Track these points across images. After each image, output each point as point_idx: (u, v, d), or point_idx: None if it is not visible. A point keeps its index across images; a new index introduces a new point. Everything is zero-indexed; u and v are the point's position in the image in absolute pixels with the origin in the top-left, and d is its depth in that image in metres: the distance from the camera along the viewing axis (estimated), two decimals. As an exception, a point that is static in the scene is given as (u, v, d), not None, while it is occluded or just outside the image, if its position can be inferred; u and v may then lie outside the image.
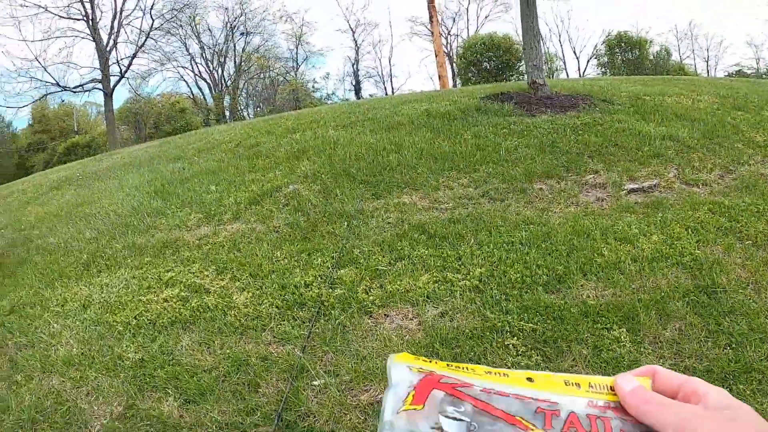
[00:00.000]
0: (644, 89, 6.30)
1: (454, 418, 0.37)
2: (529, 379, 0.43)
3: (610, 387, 0.44)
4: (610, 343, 1.89)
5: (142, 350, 2.12)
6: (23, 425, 1.96)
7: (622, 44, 25.09)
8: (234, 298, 2.37)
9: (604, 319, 1.99)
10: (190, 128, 17.23)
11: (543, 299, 2.11)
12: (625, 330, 1.94)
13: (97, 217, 4.12)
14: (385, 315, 2.13)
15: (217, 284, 2.54)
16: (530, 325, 1.99)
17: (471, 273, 2.35)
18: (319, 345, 2.00)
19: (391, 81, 29.59)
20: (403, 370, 0.41)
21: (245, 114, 26.29)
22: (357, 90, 28.54)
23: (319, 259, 2.63)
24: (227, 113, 25.11)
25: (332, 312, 2.17)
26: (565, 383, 0.44)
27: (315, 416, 1.73)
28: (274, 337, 2.08)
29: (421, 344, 1.94)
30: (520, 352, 1.89)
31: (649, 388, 0.43)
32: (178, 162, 5.48)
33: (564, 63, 29.32)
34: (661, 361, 1.83)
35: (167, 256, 2.99)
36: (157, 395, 1.93)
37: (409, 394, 0.38)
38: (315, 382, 1.83)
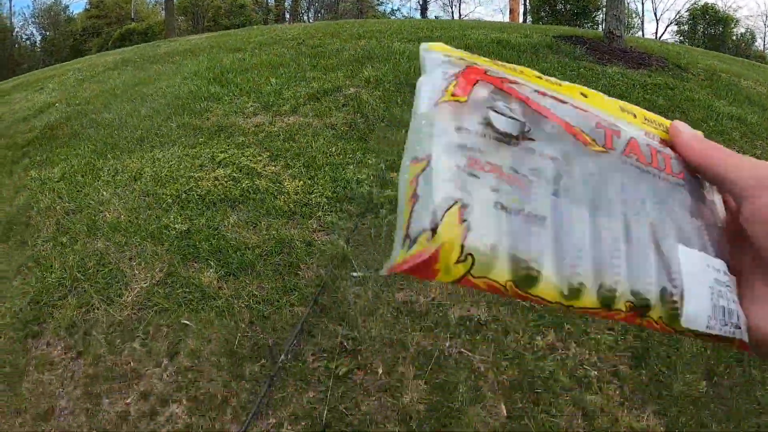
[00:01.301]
0: (721, 66, 6.13)
1: (505, 115, 0.30)
2: (583, 95, 0.37)
3: (666, 127, 0.38)
4: None
5: (189, 222, 2.22)
6: (64, 283, 2.11)
7: (707, 17, 23.64)
8: (285, 184, 2.43)
9: None
10: (248, 25, 17.10)
11: None
12: None
13: (153, 97, 4.22)
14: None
15: (269, 169, 2.60)
16: None
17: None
18: (363, 240, 2.04)
19: (459, 6, 28.48)
20: (440, 58, 0.33)
21: (305, 18, 25.88)
22: (423, 9, 27.73)
23: (373, 160, 2.64)
24: (287, 15, 24.75)
25: (380, 211, 2.20)
26: (621, 109, 0.37)
27: (349, 305, 1.80)
28: (320, 225, 2.13)
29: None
30: None
31: None
32: (238, 53, 5.50)
33: (642, 23, 27.79)
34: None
35: (221, 138, 3.06)
36: (198, 265, 2.03)
37: (450, 83, 0.31)
38: (354, 274, 1.89)
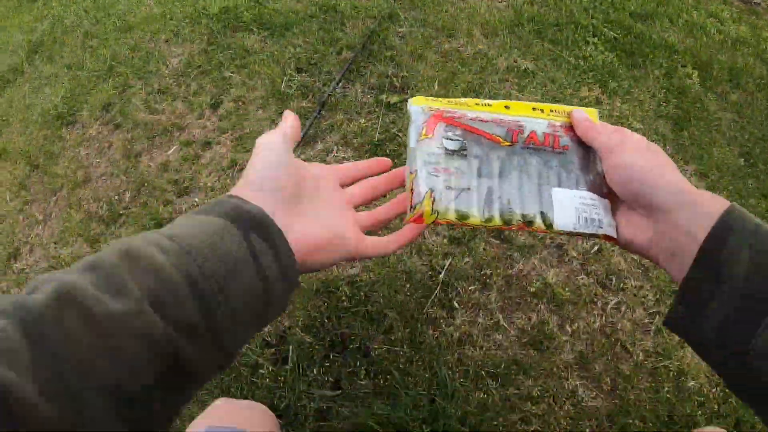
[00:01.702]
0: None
1: (452, 139, 0.56)
2: (506, 107, 0.60)
3: (568, 113, 0.60)
4: (681, 76, 1.90)
5: (227, 0, 2.17)
6: (97, 74, 2.09)
7: None
8: None
9: (680, 56, 1.98)
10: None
11: (628, 21, 2.07)
12: (697, 72, 1.93)
13: None
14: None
15: None
16: (612, 33, 1.97)
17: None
18: (410, 3, 2.02)
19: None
20: (419, 111, 0.58)
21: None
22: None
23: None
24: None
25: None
26: (533, 109, 0.61)
27: (398, 50, 1.80)
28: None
29: (507, 20, 1.95)
30: (598, 50, 1.89)
31: (596, 119, 0.59)
32: None
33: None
34: (722, 114, 1.85)
35: None
36: (240, 34, 2.01)
37: (423, 128, 0.57)
38: (401, 29, 1.88)
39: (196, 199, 1.58)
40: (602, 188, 0.58)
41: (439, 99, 0.61)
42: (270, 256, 0.43)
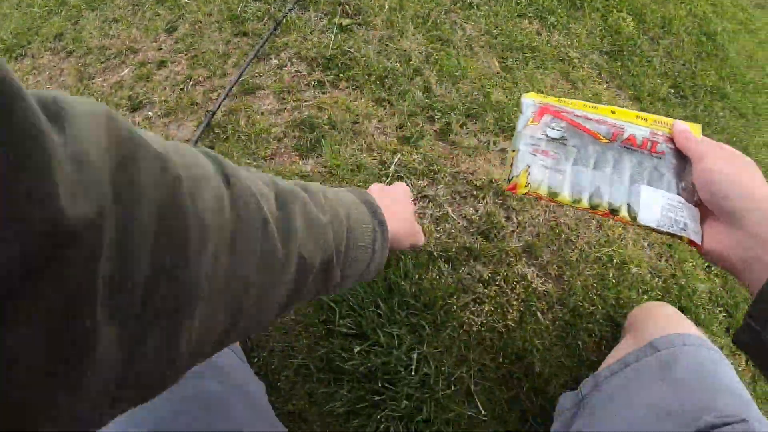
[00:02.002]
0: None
1: (555, 129, 0.65)
2: (612, 112, 0.68)
3: (670, 125, 0.67)
4: (616, 18, 2.05)
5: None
6: (51, 9, 2.07)
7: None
8: None
9: (617, 3, 2.14)
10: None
11: None
12: (631, 17, 2.10)
13: None
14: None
15: None
16: None
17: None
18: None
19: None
20: (530, 103, 0.67)
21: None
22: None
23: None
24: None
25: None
26: (636, 117, 0.68)
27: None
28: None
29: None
30: None
31: (699, 134, 0.64)
32: None
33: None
34: (653, 53, 2.00)
35: None
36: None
37: (531, 116, 0.66)
38: None
39: (150, 113, 1.60)
40: (693, 196, 0.62)
41: (550, 96, 0.70)
42: (380, 235, 0.61)
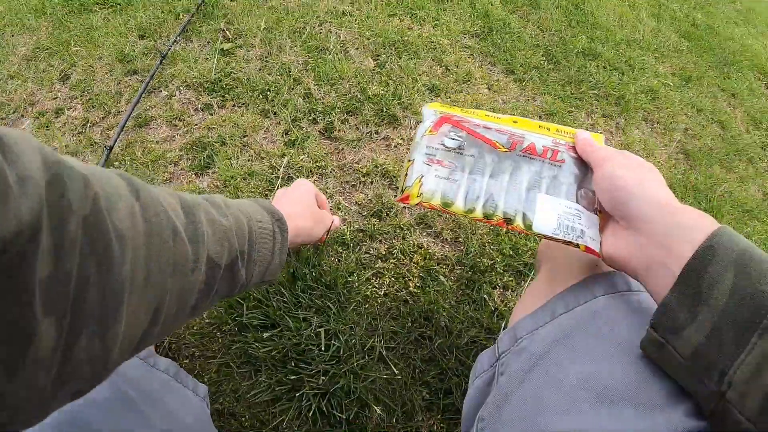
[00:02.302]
0: None
1: (453, 138, 0.64)
2: (515, 122, 0.69)
3: (572, 134, 0.67)
4: (484, 3, 2.24)
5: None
6: None
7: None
8: None
9: None
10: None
11: None
12: (499, 1, 2.29)
13: None
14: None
15: None
16: None
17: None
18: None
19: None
20: (431, 112, 0.68)
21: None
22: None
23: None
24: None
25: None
26: (539, 126, 0.69)
27: (230, 10, 1.99)
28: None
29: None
30: None
31: (601, 143, 0.65)
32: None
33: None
34: (523, 29, 2.17)
35: None
36: (84, 15, 2.13)
37: (430, 126, 0.66)
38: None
39: (54, 159, 1.68)
40: (594, 204, 0.61)
41: (453, 107, 0.70)
42: (280, 235, 0.69)
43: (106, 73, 1.86)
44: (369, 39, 1.87)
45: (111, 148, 1.55)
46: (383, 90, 1.69)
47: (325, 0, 2.03)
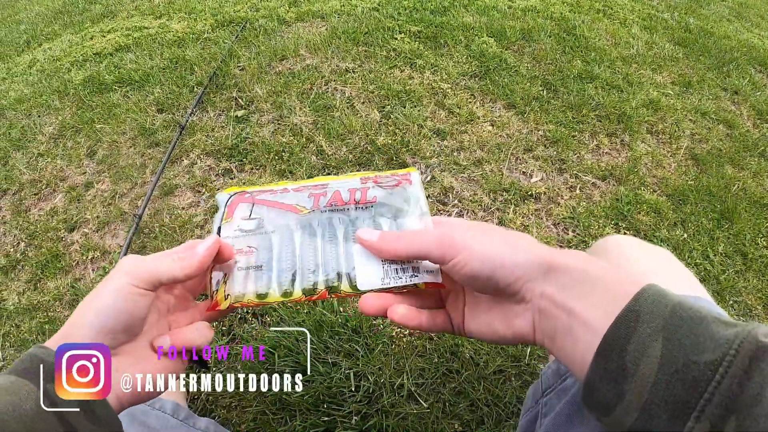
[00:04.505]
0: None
1: (249, 219, 0.56)
2: (310, 177, 0.67)
3: (389, 174, 0.60)
4: (479, 43, 2.37)
5: (90, 70, 2.48)
6: None
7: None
8: (172, 26, 2.74)
9: (476, 31, 2.48)
10: None
11: (429, 17, 2.59)
12: (493, 39, 2.43)
13: (29, 16, 4.19)
14: (300, 23, 2.55)
15: (155, 23, 2.89)
16: (416, 28, 2.48)
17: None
18: (245, 43, 2.40)
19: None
20: (223, 197, 0.59)
21: None
22: None
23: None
24: None
25: (257, 23, 2.56)
26: (354, 174, 0.62)
27: (240, 79, 2.15)
28: (208, 42, 2.47)
29: (326, 37, 2.37)
30: (405, 42, 2.36)
31: (418, 178, 0.59)
32: None
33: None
34: (519, 63, 2.31)
35: (107, 20, 3.29)
36: (105, 94, 2.31)
37: (224, 212, 0.57)
38: (240, 62, 2.24)
39: (86, 230, 1.82)
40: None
41: (254, 185, 0.62)
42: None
43: (130, 146, 2.02)
44: (373, 92, 2.00)
45: (140, 216, 1.68)
46: (391, 139, 1.81)
47: (328, 60, 2.19)
